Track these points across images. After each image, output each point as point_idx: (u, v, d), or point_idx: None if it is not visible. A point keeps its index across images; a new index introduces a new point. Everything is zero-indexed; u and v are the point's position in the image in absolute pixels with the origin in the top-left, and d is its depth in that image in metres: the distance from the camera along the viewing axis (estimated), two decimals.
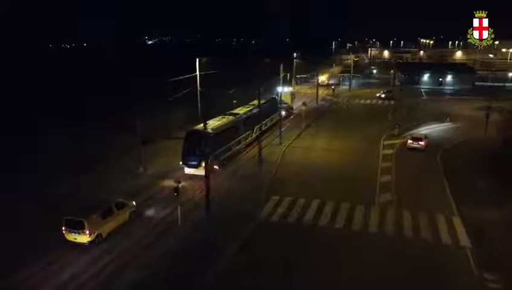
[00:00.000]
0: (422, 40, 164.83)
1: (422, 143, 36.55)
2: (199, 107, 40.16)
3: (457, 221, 23.22)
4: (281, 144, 38.22)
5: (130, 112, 46.78)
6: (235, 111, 37.89)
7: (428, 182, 29.20)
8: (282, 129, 41.01)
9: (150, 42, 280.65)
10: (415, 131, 42.22)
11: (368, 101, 64.50)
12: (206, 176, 23.37)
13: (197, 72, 39.12)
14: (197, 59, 38.94)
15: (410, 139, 37.10)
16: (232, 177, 30.20)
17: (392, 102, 62.00)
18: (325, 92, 73.92)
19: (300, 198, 26.25)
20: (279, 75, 38.79)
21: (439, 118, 48.47)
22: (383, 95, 65.80)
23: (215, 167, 29.63)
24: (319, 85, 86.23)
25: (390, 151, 36.39)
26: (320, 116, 51.96)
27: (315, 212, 24.28)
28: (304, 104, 47.49)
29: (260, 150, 29.85)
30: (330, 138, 41.59)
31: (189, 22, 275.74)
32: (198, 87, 39.54)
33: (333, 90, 71.40)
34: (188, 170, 29.49)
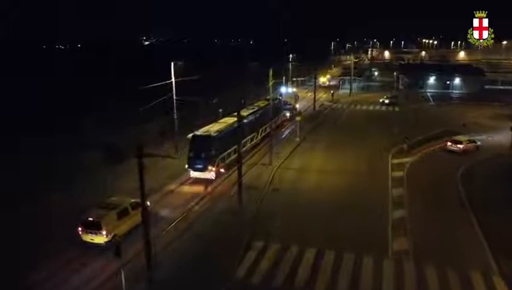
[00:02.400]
0: (424, 40, 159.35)
1: (460, 146, 35.31)
2: (175, 119, 34.23)
3: (499, 282, 17.39)
4: (270, 164, 32.32)
5: (101, 123, 41.71)
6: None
7: (453, 219, 23.28)
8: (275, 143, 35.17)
9: (147, 43, 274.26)
10: (428, 150, 36.37)
11: (371, 108, 58.63)
12: (145, 234, 16.86)
13: (173, 79, 33.13)
14: (172, 63, 32.88)
15: (450, 142, 36.24)
16: (204, 214, 24.17)
17: (397, 109, 56.30)
18: (324, 96, 68.32)
19: (291, 245, 20.35)
20: (271, 79, 32.93)
21: (453, 130, 42.52)
22: (386, 101, 60.02)
23: (221, 170, 29.23)
24: (319, 87, 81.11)
25: (400, 174, 30.48)
26: (317, 126, 46.06)
27: (310, 270, 18.37)
28: (300, 113, 41.74)
29: (240, 177, 23.69)
30: (328, 155, 35.63)
31: (189, 22, 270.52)
32: (174, 96, 33.55)
33: (332, 95, 65.57)
34: (193, 174, 28.78)
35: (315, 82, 59.98)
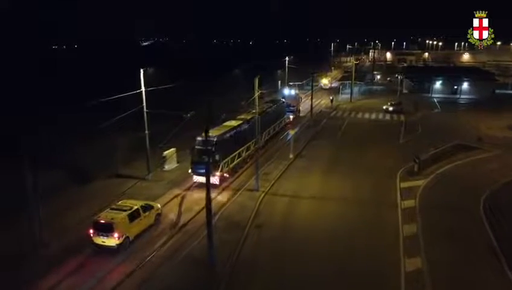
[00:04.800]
0: (427, 41, 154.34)
1: None
2: (147, 136, 29.17)
3: None
4: (257, 189, 27.27)
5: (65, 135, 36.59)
6: (242, 116, 34.95)
7: (483, 269, 18.34)
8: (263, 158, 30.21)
9: (145, 44, 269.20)
10: (442, 170, 31.25)
11: (373, 116, 53.52)
12: None
13: (142, 88, 28.10)
14: (141, 70, 27.83)
15: None
16: (167, 263, 19.06)
17: (402, 117, 51.26)
18: (323, 102, 63.44)
19: None
20: (257, 90, 28.18)
21: (467, 143, 37.61)
22: (390, 108, 54.95)
23: (225, 174, 28.83)
24: (320, 89, 76.66)
25: (412, 203, 25.37)
26: (314, 139, 41.04)
27: None
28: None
29: (210, 220, 18.30)
30: (325, 177, 30.54)
31: (190, 22, 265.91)
32: (145, 109, 28.52)
33: (332, 101, 60.51)
34: (196, 178, 27.92)
35: (312, 87, 55.03)
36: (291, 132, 35.80)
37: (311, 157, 35.11)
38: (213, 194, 26.96)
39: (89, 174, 29.62)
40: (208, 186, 17.59)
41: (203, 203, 24.20)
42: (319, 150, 37.19)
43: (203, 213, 22.60)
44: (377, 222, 22.88)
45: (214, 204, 25.14)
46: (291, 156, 34.41)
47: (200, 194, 25.49)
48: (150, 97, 28.76)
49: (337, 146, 38.76)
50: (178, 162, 33.15)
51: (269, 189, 27.68)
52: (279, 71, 66.60)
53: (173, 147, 32.71)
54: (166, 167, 32.12)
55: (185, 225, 22.81)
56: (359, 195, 26.92)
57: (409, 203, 25.34)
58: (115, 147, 33.05)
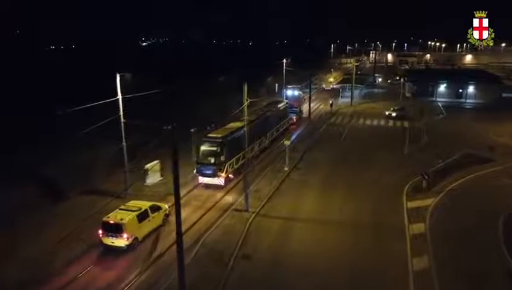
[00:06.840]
0: (428, 42, 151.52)
1: None
2: (124, 147, 26.14)
3: None
4: (247, 210, 24.23)
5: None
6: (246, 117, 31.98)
7: None
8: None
9: (144, 44, 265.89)
10: (453, 186, 28.18)
11: (375, 122, 50.44)
12: None
13: (119, 95, 25.08)
14: (118, 75, 24.83)
15: None
16: None
17: (406, 124, 48.24)
18: (322, 105, 60.65)
19: None
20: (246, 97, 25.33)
21: (477, 153, 34.73)
22: (393, 114, 51.95)
23: (230, 175, 28.69)
24: (322, 90, 74.36)
25: (421, 228, 22.30)
26: (311, 148, 38.04)
27: None
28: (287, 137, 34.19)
29: (182, 266, 15.16)
30: (323, 194, 27.38)
31: (187, 22, 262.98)
32: (122, 119, 25.50)
33: (331, 105, 57.50)
34: (202, 179, 27.93)
35: (310, 90, 52.18)
36: (287, 142, 32.69)
37: (308, 170, 32.06)
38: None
39: (60, 191, 26.67)
40: (178, 219, 14.53)
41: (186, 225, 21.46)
42: (316, 162, 34.09)
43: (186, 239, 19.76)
44: (382, 253, 19.83)
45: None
46: (286, 168, 31.43)
47: (185, 214, 22.47)
48: (141, 102, 26.41)
49: (337, 157, 35.63)
50: (162, 176, 30.19)
51: (260, 209, 24.65)
52: (269, 78, 64.00)
53: (157, 159, 29.79)
54: (148, 181, 29.13)
55: (161, 255, 19.81)
56: (361, 217, 23.81)
57: (418, 228, 22.25)
58: (95, 158, 30.07)
